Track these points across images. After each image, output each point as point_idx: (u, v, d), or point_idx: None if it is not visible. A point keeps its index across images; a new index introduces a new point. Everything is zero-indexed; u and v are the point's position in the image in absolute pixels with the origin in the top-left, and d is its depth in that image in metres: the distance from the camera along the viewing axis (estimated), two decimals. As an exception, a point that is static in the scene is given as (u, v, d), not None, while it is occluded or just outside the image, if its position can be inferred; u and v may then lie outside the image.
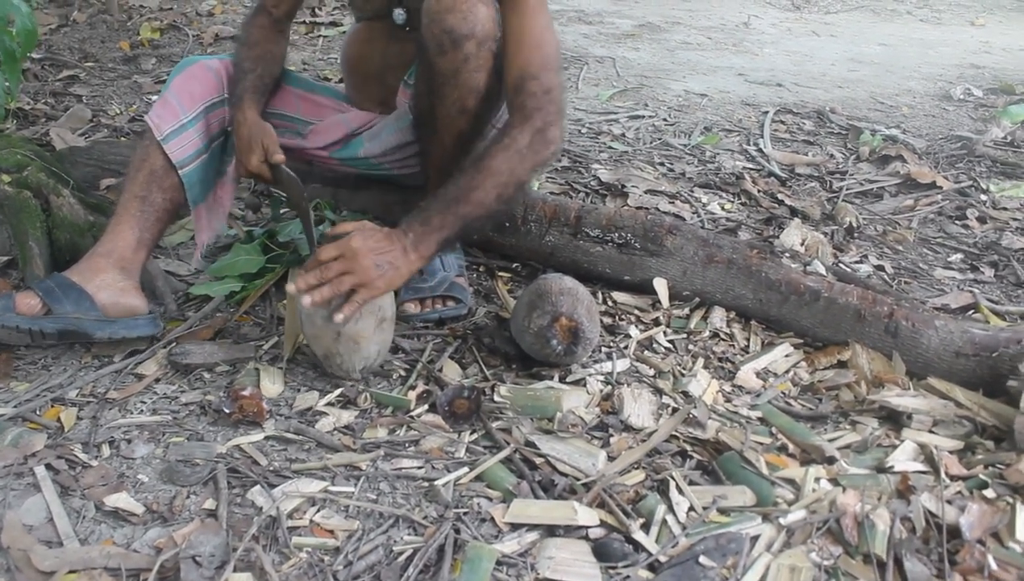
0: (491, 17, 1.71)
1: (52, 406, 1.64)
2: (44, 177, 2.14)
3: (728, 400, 1.75)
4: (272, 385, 1.71)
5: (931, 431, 1.66)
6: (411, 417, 1.64)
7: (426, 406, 1.67)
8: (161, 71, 3.92)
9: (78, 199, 2.11)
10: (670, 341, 1.94)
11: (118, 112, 3.36)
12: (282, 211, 2.32)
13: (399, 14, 1.95)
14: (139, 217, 1.82)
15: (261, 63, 1.93)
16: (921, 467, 1.55)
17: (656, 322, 2.00)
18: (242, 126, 1.83)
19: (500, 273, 2.19)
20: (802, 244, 2.37)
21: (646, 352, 1.89)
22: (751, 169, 3.09)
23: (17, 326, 1.68)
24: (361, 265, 1.58)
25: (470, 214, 1.64)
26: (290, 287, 1.69)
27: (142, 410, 1.64)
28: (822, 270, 2.09)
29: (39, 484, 1.42)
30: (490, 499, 1.44)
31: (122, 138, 3.03)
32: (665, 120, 3.67)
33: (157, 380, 1.73)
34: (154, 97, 3.48)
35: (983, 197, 2.95)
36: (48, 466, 1.46)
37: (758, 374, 1.84)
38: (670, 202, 2.69)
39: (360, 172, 2.09)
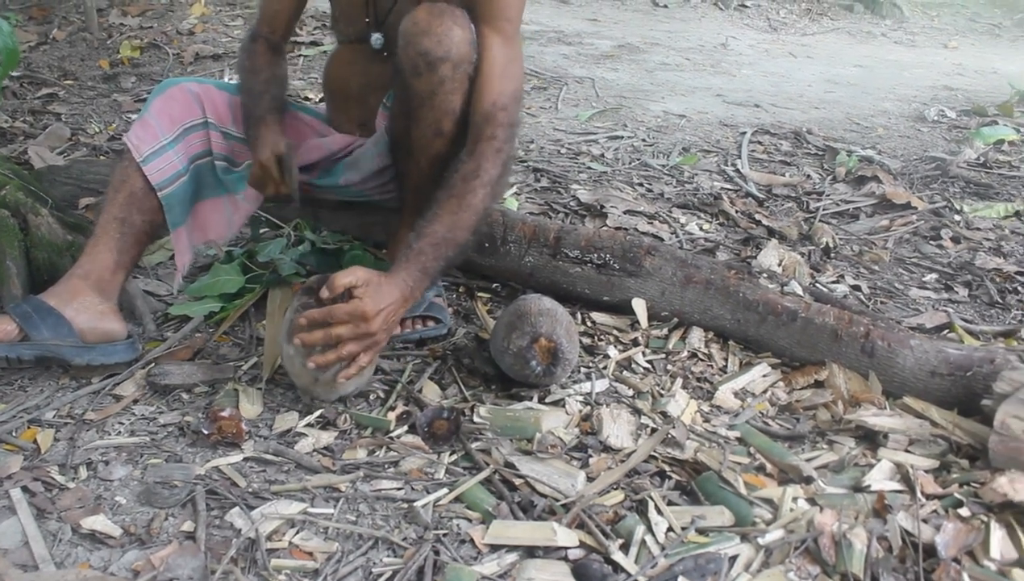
0: (466, 40, 1.73)
1: (28, 427, 1.63)
2: (22, 196, 2.12)
3: (706, 420, 1.77)
4: (251, 406, 1.71)
5: (907, 450, 1.67)
6: (391, 438, 1.64)
7: (406, 427, 1.67)
8: (141, 89, 3.91)
9: (56, 218, 2.10)
10: (649, 361, 1.95)
11: (97, 131, 3.35)
12: (261, 231, 2.32)
13: (376, 39, 1.96)
14: (118, 239, 1.81)
15: (272, 85, 1.94)
16: (897, 486, 1.56)
17: (635, 342, 2.01)
18: (263, 137, 1.84)
19: (480, 293, 2.20)
20: (779, 264, 2.40)
21: (625, 372, 1.90)
22: (729, 190, 3.12)
23: None
24: (371, 329, 1.59)
25: (454, 254, 1.70)
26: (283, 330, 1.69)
27: (120, 431, 1.63)
28: (799, 290, 2.11)
29: (14, 507, 1.41)
30: (470, 520, 1.44)
31: (101, 157, 3.02)
32: (644, 141, 3.70)
33: (135, 401, 1.72)
34: (133, 116, 3.47)
35: (957, 217, 2.99)
36: (24, 488, 1.45)
37: (736, 394, 1.86)
38: (649, 222, 2.71)
39: (339, 198, 2.09)
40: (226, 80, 3.86)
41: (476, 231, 1.72)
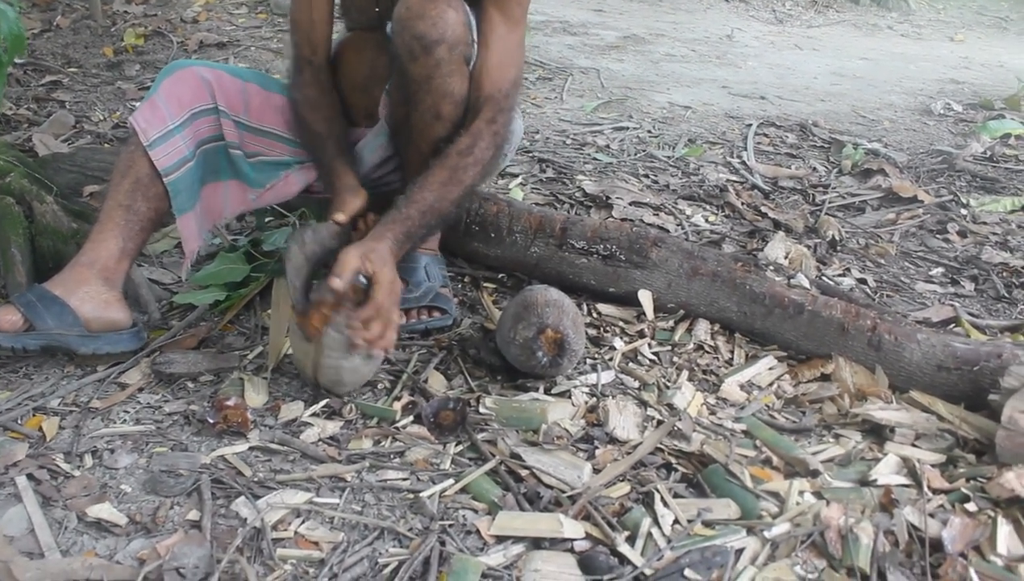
0: (461, 22, 1.72)
1: (34, 415, 1.62)
2: (27, 183, 2.12)
3: (712, 413, 1.76)
4: (256, 395, 1.71)
5: (914, 444, 1.67)
6: (396, 428, 1.64)
7: (411, 417, 1.67)
8: (145, 77, 3.90)
9: (61, 206, 2.10)
10: (655, 353, 1.95)
11: (101, 118, 3.35)
12: (267, 220, 2.31)
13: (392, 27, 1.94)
14: (123, 226, 1.79)
15: (333, 124, 1.92)
16: (904, 480, 1.56)
17: (641, 334, 2.01)
18: (337, 192, 1.83)
19: (485, 284, 2.19)
20: (786, 257, 2.39)
21: (631, 364, 1.90)
22: (735, 181, 3.11)
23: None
24: (393, 315, 1.61)
25: (435, 223, 1.73)
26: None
27: (125, 420, 1.63)
28: (806, 283, 2.10)
29: (20, 494, 1.41)
30: (475, 511, 1.44)
31: (105, 144, 3.02)
32: (649, 132, 3.68)
33: (140, 389, 1.72)
34: (137, 104, 3.46)
35: (963, 211, 2.98)
36: (30, 476, 1.45)
37: (742, 387, 1.85)
38: (654, 214, 2.70)
39: None
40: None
41: (460, 206, 1.76)
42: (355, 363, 1.64)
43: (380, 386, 1.77)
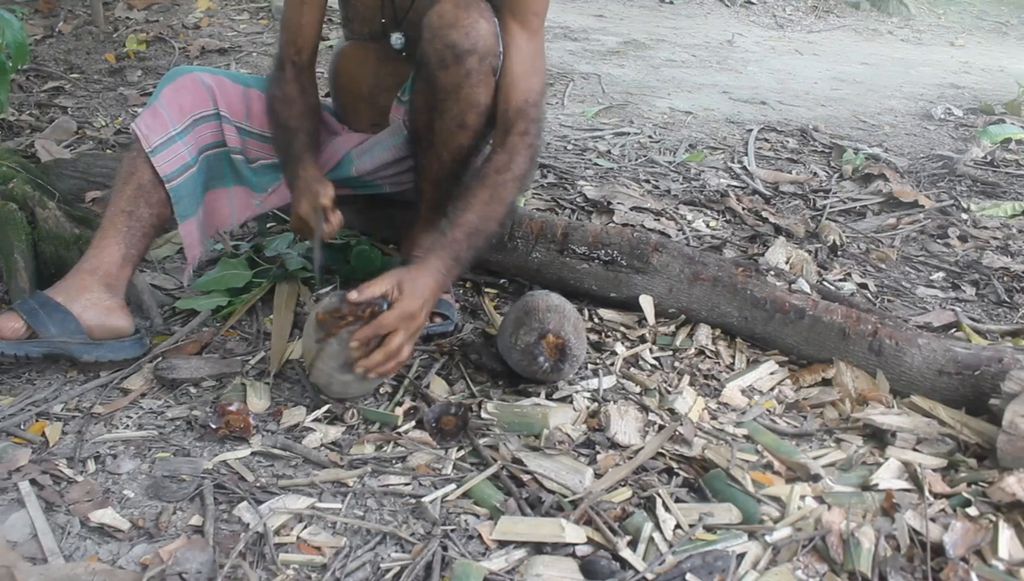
0: (492, 32, 1.73)
1: (37, 420, 1.63)
2: (29, 189, 2.13)
3: (714, 418, 1.76)
4: (259, 400, 1.71)
5: (915, 449, 1.67)
6: (398, 434, 1.64)
7: (413, 423, 1.67)
8: (147, 83, 3.91)
9: (64, 212, 2.10)
10: (656, 358, 1.95)
11: (104, 124, 3.35)
12: (268, 226, 2.32)
13: (397, 39, 1.93)
14: (125, 232, 1.80)
15: (306, 119, 1.92)
16: (905, 485, 1.56)
17: (642, 339, 2.01)
18: (300, 181, 1.83)
19: (487, 289, 2.20)
20: (787, 262, 2.39)
21: (632, 369, 1.90)
22: (736, 187, 3.11)
23: (2, 352, 1.66)
24: (419, 323, 1.60)
25: (482, 244, 1.71)
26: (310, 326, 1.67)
27: (128, 425, 1.63)
28: (807, 288, 2.11)
29: (23, 500, 1.41)
30: (477, 516, 1.44)
31: (108, 150, 3.02)
32: (650, 137, 3.69)
33: (143, 395, 1.73)
34: (139, 109, 3.47)
35: (964, 216, 2.98)
36: (33, 481, 1.45)
37: (743, 391, 1.86)
38: (655, 219, 2.71)
39: (353, 191, 2.07)
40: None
41: (503, 224, 1.74)
42: (347, 379, 1.63)
43: (382, 391, 1.77)
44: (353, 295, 1.56)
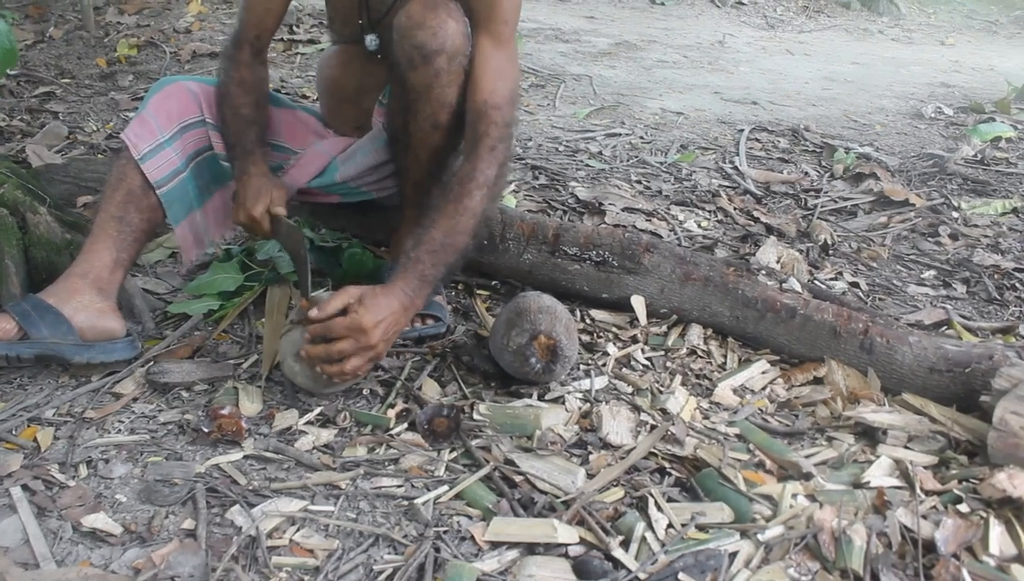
0: (461, 32, 1.73)
1: (28, 426, 1.62)
2: (20, 194, 2.12)
3: (706, 417, 1.77)
4: (251, 404, 1.71)
5: (906, 447, 1.68)
6: (390, 436, 1.64)
7: (405, 424, 1.68)
8: (138, 88, 3.90)
9: (55, 217, 2.10)
10: (648, 358, 1.95)
11: (95, 129, 3.35)
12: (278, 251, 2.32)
13: (371, 40, 1.95)
14: (116, 237, 1.80)
15: (260, 111, 1.91)
16: (896, 482, 1.57)
17: (634, 339, 2.01)
18: (252, 177, 1.83)
19: (479, 291, 2.20)
20: (778, 261, 2.40)
21: (624, 369, 1.90)
22: (727, 187, 3.12)
23: None
24: (370, 341, 1.59)
25: (453, 260, 1.69)
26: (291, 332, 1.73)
27: (120, 429, 1.63)
28: (798, 287, 2.11)
29: (15, 505, 1.41)
30: (470, 517, 1.45)
31: (99, 155, 3.02)
32: (642, 138, 3.70)
33: (135, 399, 1.72)
34: (131, 114, 3.47)
35: (955, 214, 3.00)
36: (24, 487, 1.45)
37: (735, 391, 1.86)
38: (647, 220, 2.71)
39: (342, 199, 2.07)
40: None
41: (476, 234, 1.71)
42: (296, 368, 1.68)
43: (374, 393, 1.78)
44: (314, 313, 1.59)
